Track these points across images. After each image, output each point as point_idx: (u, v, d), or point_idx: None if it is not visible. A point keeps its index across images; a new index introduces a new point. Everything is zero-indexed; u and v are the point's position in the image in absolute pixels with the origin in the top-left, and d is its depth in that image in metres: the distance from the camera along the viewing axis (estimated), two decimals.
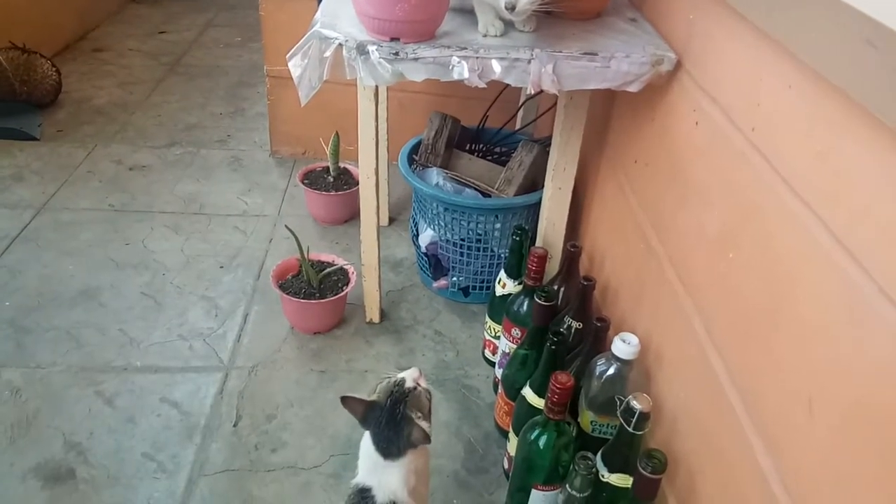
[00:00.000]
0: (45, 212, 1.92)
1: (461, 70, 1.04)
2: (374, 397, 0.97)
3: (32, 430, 1.28)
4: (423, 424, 0.93)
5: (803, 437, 0.68)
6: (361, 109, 1.35)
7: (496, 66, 1.04)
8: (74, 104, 2.54)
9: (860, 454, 0.60)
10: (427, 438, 0.92)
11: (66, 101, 2.54)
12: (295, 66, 1.08)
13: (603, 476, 1.00)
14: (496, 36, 1.09)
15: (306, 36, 1.09)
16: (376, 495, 0.93)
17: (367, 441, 0.97)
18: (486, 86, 1.06)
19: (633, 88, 1.08)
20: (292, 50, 1.09)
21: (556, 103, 1.35)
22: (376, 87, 1.32)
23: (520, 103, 1.91)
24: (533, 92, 1.07)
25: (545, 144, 1.52)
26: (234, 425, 1.33)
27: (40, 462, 1.22)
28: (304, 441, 1.31)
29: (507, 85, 1.09)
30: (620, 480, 0.99)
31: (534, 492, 1.07)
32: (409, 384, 0.97)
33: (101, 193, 2.03)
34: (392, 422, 0.94)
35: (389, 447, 0.93)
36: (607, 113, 1.39)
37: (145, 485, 1.20)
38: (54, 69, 2.47)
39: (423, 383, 0.99)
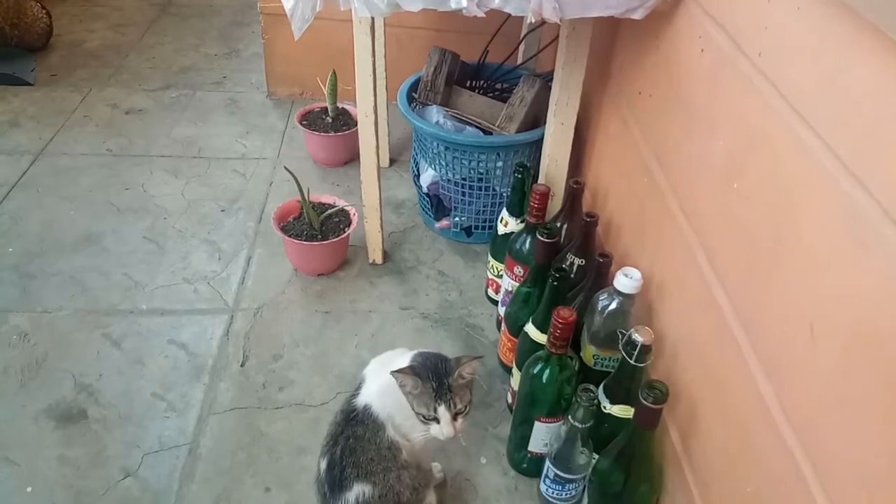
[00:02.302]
0: (43, 157, 1.90)
1: None
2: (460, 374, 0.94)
3: (42, 373, 1.30)
4: (413, 382, 0.91)
5: (804, 363, 0.69)
6: (358, 44, 1.32)
7: None
8: (67, 48, 2.49)
9: (861, 378, 0.60)
10: (402, 375, 0.90)
11: (58, 45, 2.49)
12: None
13: (605, 408, 1.02)
14: None
15: None
16: (361, 393, 0.96)
17: (401, 350, 0.99)
18: (484, 15, 1.02)
19: (637, 15, 1.05)
20: None
21: (557, 36, 1.32)
22: (372, 20, 1.28)
23: (521, 36, 1.86)
24: (534, 21, 1.04)
25: (547, 79, 1.49)
26: (242, 365, 1.34)
27: (51, 403, 1.24)
28: (310, 379, 1.32)
29: (508, 16, 1.06)
30: (622, 412, 1.00)
31: (537, 424, 1.08)
32: (458, 406, 0.92)
33: (99, 138, 2.00)
34: (436, 359, 0.94)
35: (419, 355, 0.94)
36: (611, 43, 1.35)
37: (156, 423, 1.22)
38: (44, 11, 2.41)
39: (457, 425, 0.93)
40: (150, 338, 1.39)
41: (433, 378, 0.91)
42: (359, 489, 0.91)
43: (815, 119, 0.69)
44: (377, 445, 0.92)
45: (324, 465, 0.95)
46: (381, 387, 0.94)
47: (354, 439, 0.92)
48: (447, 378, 0.92)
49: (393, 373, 0.90)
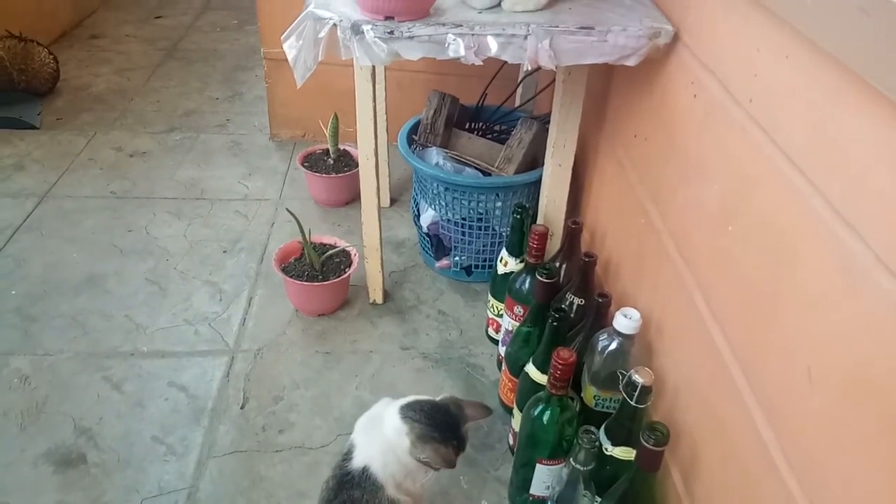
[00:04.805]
0: (48, 200, 1.93)
1: (457, 48, 1.03)
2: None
3: (42, 417, 1.30)
4: (435, 457, 0.93)
5: (803, 405, 0.69)
6: (359, 90, 1.35)
7: (492, 43, 1.04)
8: (73, 92, 2.54)
9: (858, 421, 0.61)
10: (424, 459, 0.93)
11: (65, 89, 2.54)
12: (290, 48, 1.08)
13: (606, 449, 1.01)
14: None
15: (300, 17, 1.08)
16: (355, 456, 0.95)
17: (384, 400, 0.99)
18: (482, 63, 1.05)
19: (630, 62, 1.08)
20: (287, 31, 1.09)
21: (554, 79, 1.35)
22: (373, 67, 1.31)
23: (518, 80, 1.90)
24: (530, 68, 1.07)
25: (545, 121, 1.52)
26: (242, 407, 1.34)
27: (51, 447, 1.24)
28: (311, 421, 1.32)
29: (505, 62, 1.08)
30: (624, 453, 1.00)
31: (538, 466, 1.08)
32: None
33: (103, 180, 2.03)
34: (446, 413, 0.96)
35: (418, 413, 0.95)
36: (606, 88, 1.38)
37: (155, 467, 1.22)
38: (51, 57, 2.46)
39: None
40: (150, 380, 1.39)
41: (451, 436, 0.94)
42: None
43: (806, 165, 0.70)
44: None
45: None
46: (382, 448, 0.94)
47: (351, 503, 0.92)
48: (460, 430, 0.95)
49: (420, 460, 0.93)
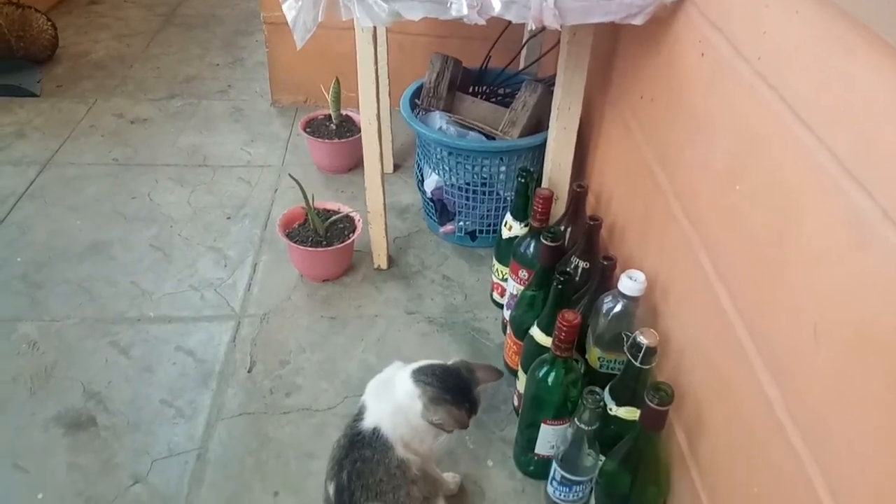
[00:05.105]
0: (50, 168, 1.92)
1: (459, 7, 1.01)
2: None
3: (51, 381, 1.31)
4: (447, 419, 0.95)
5: (808, 363, 0.69)
6: (360, 52, 1.33)
7: (495, 2, 1.02)
8: (72, 59, 2.51)
9: (864, 378, 0.61)
10: (437, 421, 0.94)
11: (64, 56, 2.52)
12: (289, 9, 1.06)
13: (611, 410, 1.02)
14: None
15: None
16: (366, 417, 0.96)
17: (396, 364, 1.01)
18: (485, 23, 1.03)
19: (637, 21, 1.06)
20: None
21: (559, 40, 1.32)
22: (374, 28, 1.29)
23: (523, 42, 1.87)
24: (535, 28, 1.05)
25: (549, 84, 1.50)
26: (249, 371, 1.35)
27: (61, 411, 1.25)
28: (317, 384, 1.33)
29: (509, 22, 1.06)
30: (628, 413, 1.01)
31: (543, 426, 1.09)
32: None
33: (104, 147, 2.02)
34: (457, 377, 0.97)
35: (430, 376, 0.96)
36: (612, 48, 1.36)
37: (165, 430, 1.23)
38: (50, 23, 2.43)
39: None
40: (157, 345, 1.40)
41: (464, 399, 0.95)
42: None
43: (813, 121, 0.69)
44: (386, 466, 0.92)
45: (331, 489, 0.94)
46: (392, 410, 0.95)
47: (362, 462, 0.92)
48: (472, 392, 0.97)
49: (433, 422, 0.94)
